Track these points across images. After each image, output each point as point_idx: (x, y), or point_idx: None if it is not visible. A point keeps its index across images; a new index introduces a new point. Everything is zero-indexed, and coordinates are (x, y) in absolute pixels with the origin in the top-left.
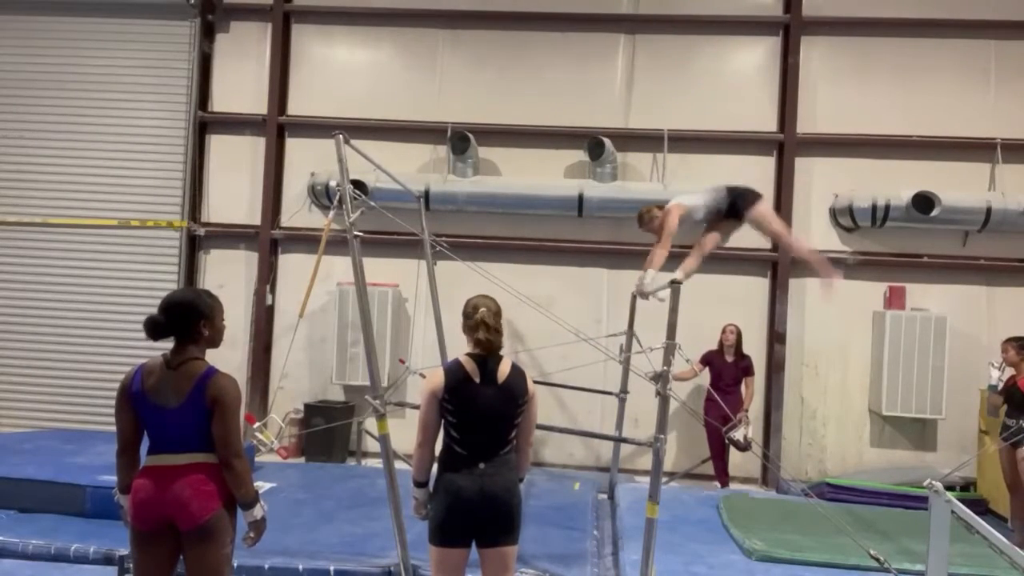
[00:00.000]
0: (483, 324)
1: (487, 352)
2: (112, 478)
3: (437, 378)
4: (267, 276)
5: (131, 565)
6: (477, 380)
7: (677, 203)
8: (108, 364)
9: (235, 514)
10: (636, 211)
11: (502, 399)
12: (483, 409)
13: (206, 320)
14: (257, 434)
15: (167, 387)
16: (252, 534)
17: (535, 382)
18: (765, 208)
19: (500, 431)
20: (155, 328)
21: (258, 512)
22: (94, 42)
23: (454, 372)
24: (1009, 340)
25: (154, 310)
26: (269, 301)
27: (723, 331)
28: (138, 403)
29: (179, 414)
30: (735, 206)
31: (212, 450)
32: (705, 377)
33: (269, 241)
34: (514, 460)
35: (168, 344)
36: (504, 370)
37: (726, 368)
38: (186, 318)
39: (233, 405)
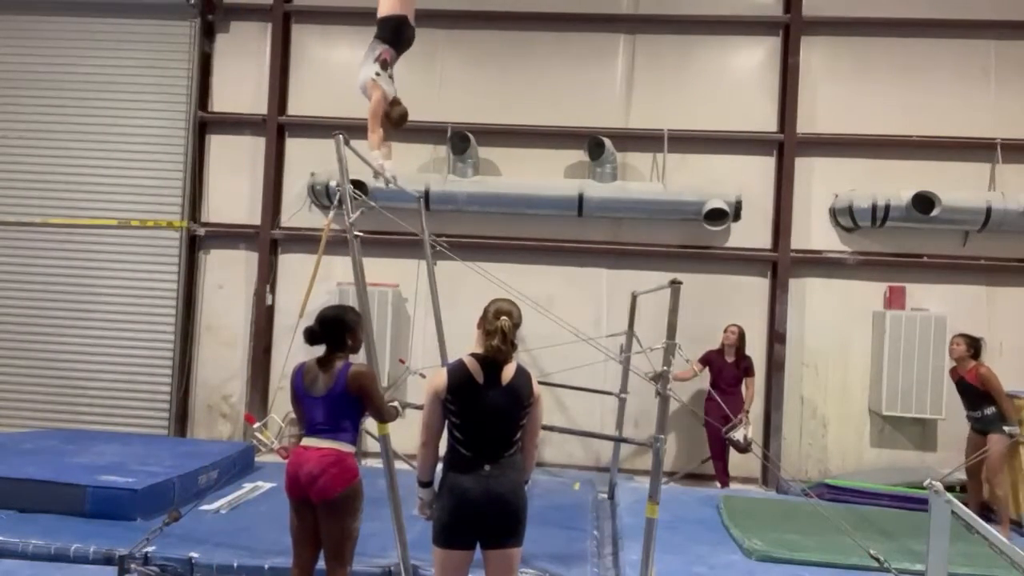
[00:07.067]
0: (500, 333)
1: (493, 358)
2: (111, 478)
3: (440, 378)
4: (267, 276)
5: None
6: (480, 381)
7: (371, 81)
8: (108, 364)
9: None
10: (636, 211)
11: (506, 400)
12: (486, 410)
13: (350, 332)
14: (257, 434)
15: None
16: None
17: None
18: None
19: (504, 433)
20: (312, 336)
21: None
22: (94, 42)
23: (457, 372)
24: (960, 335)
25: (154, 310)
26: (269, 301)
27: (725, 331)
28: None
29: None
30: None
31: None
32: (706, 377)
33: (269, 241)
34: (520, 462)
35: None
36: (509, 372)
37: (726, 368)
38: (337, 330)
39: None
